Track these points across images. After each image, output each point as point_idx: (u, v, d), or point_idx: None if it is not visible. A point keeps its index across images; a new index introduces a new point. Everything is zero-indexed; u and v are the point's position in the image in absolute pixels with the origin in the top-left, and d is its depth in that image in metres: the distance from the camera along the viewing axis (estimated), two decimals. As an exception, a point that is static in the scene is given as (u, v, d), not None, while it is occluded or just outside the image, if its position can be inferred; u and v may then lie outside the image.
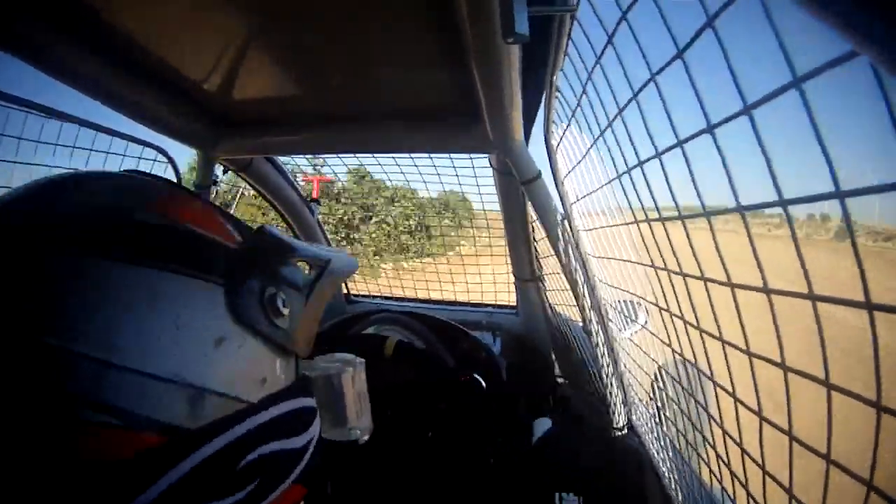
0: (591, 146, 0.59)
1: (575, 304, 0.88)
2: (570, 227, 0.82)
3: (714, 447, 0.51)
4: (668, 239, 0.49)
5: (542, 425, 1.08)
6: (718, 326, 0.43)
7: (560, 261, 0.85)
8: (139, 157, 1.11)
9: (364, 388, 0.48)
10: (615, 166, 0.53)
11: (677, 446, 0.66)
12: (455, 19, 0.46)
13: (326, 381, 0.45)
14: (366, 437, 0.48)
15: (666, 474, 0.70)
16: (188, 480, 0.30)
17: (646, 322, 0.76)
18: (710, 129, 0.34)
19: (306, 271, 0.43)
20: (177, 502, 0.29)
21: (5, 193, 0.35)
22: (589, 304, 0.85)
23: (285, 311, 0.38)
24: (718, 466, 0.49)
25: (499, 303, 1.62)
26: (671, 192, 0.45)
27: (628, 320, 0.82)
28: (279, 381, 0.37)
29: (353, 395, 0.46)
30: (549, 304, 1.28)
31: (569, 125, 0.65)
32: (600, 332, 0.85)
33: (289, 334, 0.38)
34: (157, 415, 0.29)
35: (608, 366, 0.86)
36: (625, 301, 0.79)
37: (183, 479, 0.29)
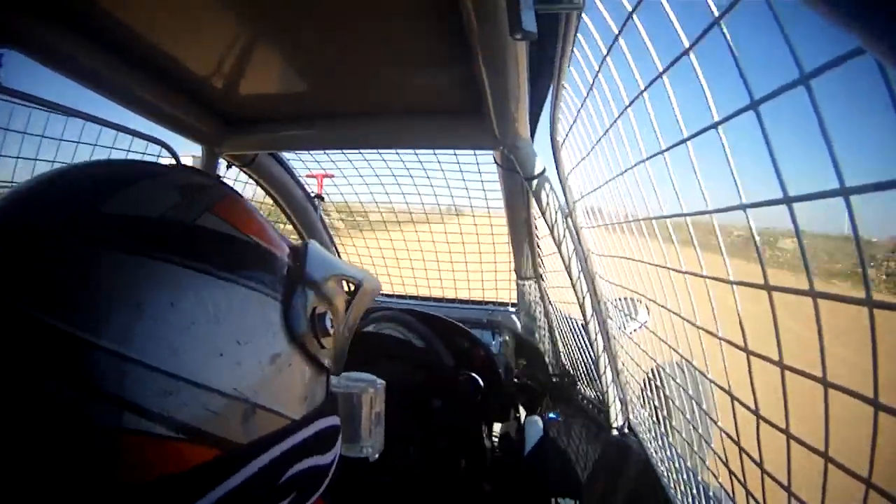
0: (597, 143, 0.59)
1: (575, 301, 0.88)
2: (573, 224, 0.82)
3: (711, 446, 0.51)
4: (671, 236, 0.49)
5: (534, 424, 1.08)
6: (716, 324, 0.43)
7: (562, 258, 0.85)
8: (143, 153, 1.11)
9: (381, 409, 0.50)
10: (620, 163, 0.53)
11: (675, 445, 0.66)
12: (462, 16, 0.46)
13: (346, 399, 0.46)
14: (376, 455, 0.49)
15: (664, 474, 0.70)
16: (236, 494, 0.30)
17: (646, 321, 0.76)
18: (715, 125, 0.34)
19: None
20: None
21: (41, 180, 0.32)
22: (589, 301, 0.85)
23: (332, 331, 0.38)
24: (717, 465, 0.50)
25: (499, 300, 1.62)
26: (675, 189, 0.45)
27: (628, 318, 0.82)
28: (317, 398, 0.38)
29: (369, 415, 0.48)
30: (550, 302, 1.29)
31: (574, 122, 0.65)
32: (599, 330, 0.85)
33: (330, 355, 0.38)
34: (212, 429, 0.29)
35: (607, 364, 0.86)
36: (625, 298, 0.79)
37: (231, 493, 0.30)
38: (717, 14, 0.30)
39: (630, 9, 0.38)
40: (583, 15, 0.46)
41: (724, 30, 0.30)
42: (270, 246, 0.36)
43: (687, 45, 0.33)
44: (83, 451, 0.27)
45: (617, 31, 0.41)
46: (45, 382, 0.26)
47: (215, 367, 0.30)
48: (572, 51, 0.52)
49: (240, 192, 0.40)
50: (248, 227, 0.35)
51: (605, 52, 0.44)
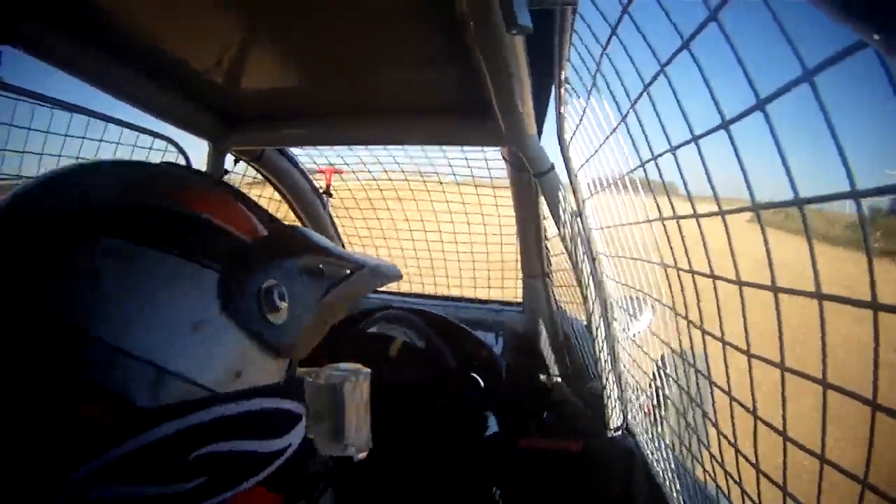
0: (603, 143, 0.59)
1: (580, 301, 0.88)
2: (582, 223, 0.82)
3: (708, 447, 0.51)
4: (681, 235, 0.49)
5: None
6: (721, 325, 0.43)
7: (569, 256, 0.85)
8: (149, 149, 1.13)
9: (366, 402, 0.45)
10: (629, 161, 0.53)
11: (672, 446, 0.66)
12: (459, 13, 0.46)
13: (328, 391, 0.42)
14: (361, 456, 0.44)
15: (661, 474, 0.70)
16: (134, 458, 0.30)
17: (650, 322, 0.75)
18: (725, 124, 0.34)
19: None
20: (118, 477, 0.29)
21: (36, 181, 0.36)
22: (595, 301, 0.84)
23: (282, 305, 0.36)
24: (713, 466, 0.49)
25: (504, 299, 1.62)
26: (686, 189, 0.45)
27: (633, 318, 0.81)
28: (259, 378, 0.36)
29: (353, 408, 0.43)
30: (556, 301, 1.28)
31: (581, 121, 0.65)
32: (603, 330, 0.85)
33: (280, 333, 0.36)
34: (115, 388, 0.30)
35: (608, 365, 0.86)
36: (631, 298, 0.78)
37: (130, 456, 0.29)
38: (712, 8, 0.30)
39: (624, 4, 0.38)
40: (579, 12, 0.46)
41: (720, 25, 0.30)
42: (226, 224, 0.37)
43: (683, 39, 0.33)
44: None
45: (612, 28, 0.41)
46: None
47: (122, 325, 0.30)
48: (571, 47, 0.52)
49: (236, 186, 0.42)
50: (201, 207, 0.36)
51: (602, 48, 0.44)
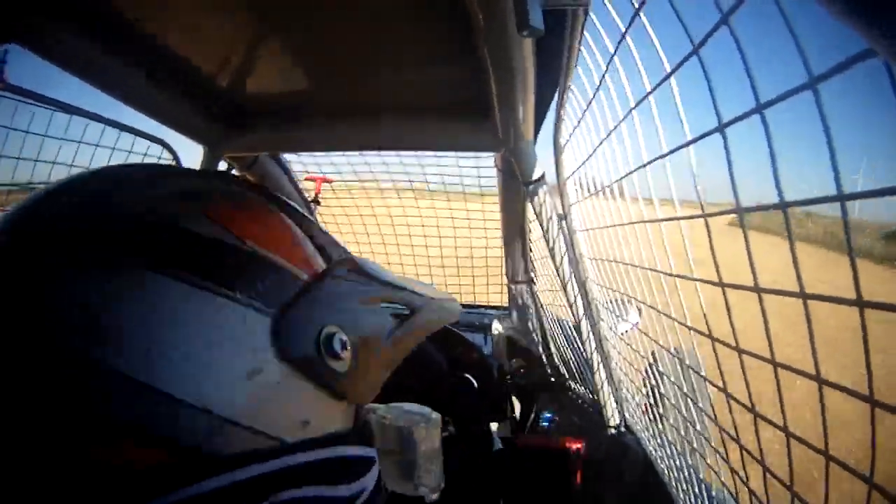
0: (598, 146, 0.60)
1: (566, 304, 0.89)
2: (567, 227, 0.83)
3: (711, 444, 0.51)
4: (663, 240, 0.50)
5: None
6: (707, 323, 0.43)
7: (554, 262, 0.86)
8: (144, 154, 1.10)
9: (437, 445, 0.45)
10: (620, 166, 0.54)
11: (674, 443, 0.66)
12: (468, 13, 0.45)
13: (397, 433, 0.43)
14: (434, 497, 0.44)
15: (665, 472, 0.71)
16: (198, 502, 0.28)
17: (637, 322, 0.77)
18: (721, 128, 0.34)
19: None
20: None
21: (53, 188, 0.33)
22: (581, 304, 0.85)
23: (344, 356, 0.34)
24: (717, 463, 0.50)
25: (491, 303, 1.62)
26: (673, 196, 0.45)
27: (619, 319, 0.82)
28: (327, 425, 0.34)
29: (423, 451, 0.44)
30: (541, 305, 1.29)
31: (578, 125, 0.66)
32: (591, 331, 0.86)
33: (345, 380, 0.34)
34: (172, 434, 0.28)
35: (599, 364, 0.87)
36: (616, 300, 0.80)
37: (189, 500, 0.28)
38: (724, 11, 0.30)
39: (636, 6, 0.38)
40: (591, 14, 0.46)
41: (732, 29, 0.30)
42: (278, 256, 0.34)
43: (694, 45, 0.33)
44: (37, 441, 0.27)
45: (623, 30, 0.41)
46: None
47: (173, 372, 0.28)
48: (580, 50, 0.52)
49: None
50: (251, 235, 0.33)
51: (612, 50, 0.45)
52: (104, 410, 0.27)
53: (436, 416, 0.45)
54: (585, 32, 0.49)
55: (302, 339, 0.32)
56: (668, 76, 0.38)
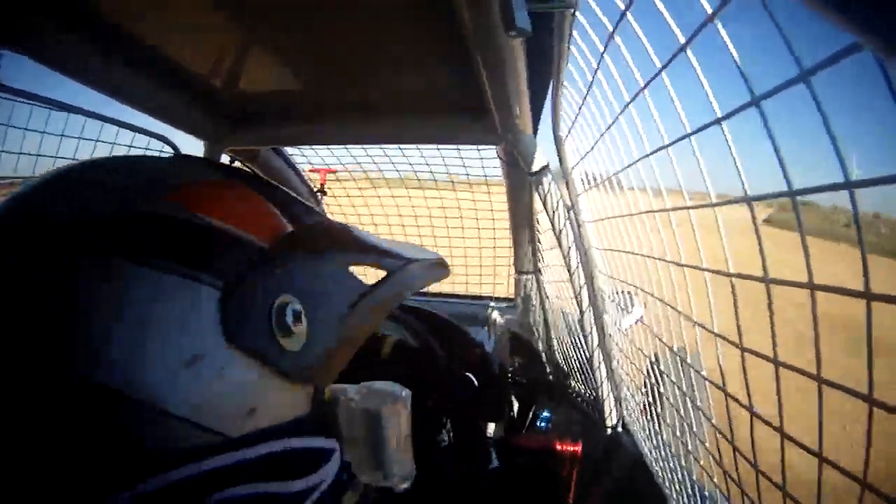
0: (599, 139, 0.59)
1: (572, 296, 0.88)
2: (575, 218, 0.83)
3: (706, 445, 0.51)
4: (673, 229, 0.49)
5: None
6: (713, 319, 0.43)
7: (562, 252, 0.85)
8: (145, 148, 1.11)
9: (407, 428, 0.41)
10: (623, 157, 0.54)
11: (670, 443, 0.66)
12: (458, 12, 0.45)
13: (363, 416, 0.37)
14: (405, 486, 0.40)
15: (659, 473, 0.70)
16: (142, 501, 0.26)
17: (641, 316, 0.76)
18: (719, 120, 0.34)
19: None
20: None
21: (23, 187, 0.32)
22: (586, 295, 0.85)
23: (297, 330, 0.31)
24: (710, 464, 0.50)
25: (496, 295, 1.62)
26: (680, 183, 0.45)
27: (624, 312, 0.82)
28: (279, 412, 0.31)
29: (393, 435, 0.39)
30: (546, 296, 1.29)
31: (576, 119, 0.66)
32: (595, 325, 0.86)
33: (300, 358, 0.31)
34: (103, 430, 0.26)
35: (601, 361, 0.86)
36: (621, 292, 0.79)
37: (137, 498, 0.26)
38: (710, 11, 0.30)
39: (623, 7, 0.38)
40: (578, 16, 0.46)
41: (720, 26, 0.30)
42: (233, 225, 0.31)
43: (682, 41, 0.33)
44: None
45: (611, 30, 0.41)
46: None
47: (107, 359, 0.26)
48: (569, 49, 0.52)
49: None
50: (205, 207, 0.31)
51: (602, 50, 0.44)
52: (36, 404, 0.25)
53: (406, 392, 0.40)
54: (574, 32, 0.49)
55: (251, 312, 0.29)
56: (656, 74, 0.37)
